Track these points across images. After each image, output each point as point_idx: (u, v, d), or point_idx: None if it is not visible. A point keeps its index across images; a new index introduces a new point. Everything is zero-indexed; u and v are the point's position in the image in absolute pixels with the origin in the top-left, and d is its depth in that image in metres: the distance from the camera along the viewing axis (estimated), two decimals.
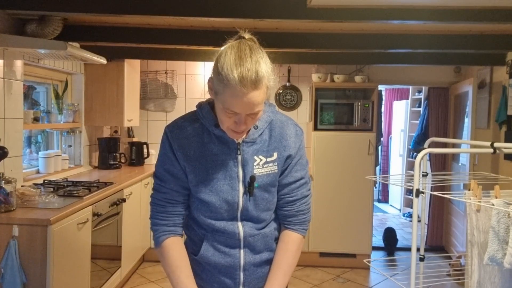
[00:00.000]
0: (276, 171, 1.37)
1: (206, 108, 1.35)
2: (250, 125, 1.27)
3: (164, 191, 1.36)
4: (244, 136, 1.33)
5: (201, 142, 1.33)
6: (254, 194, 1.34)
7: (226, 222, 1.35)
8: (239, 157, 1.33)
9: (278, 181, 1.39)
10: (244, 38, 1.23)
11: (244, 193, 1.34)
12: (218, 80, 1.19)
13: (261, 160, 1.34)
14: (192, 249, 1.43)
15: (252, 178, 1.32)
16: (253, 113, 1.21)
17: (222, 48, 1.23)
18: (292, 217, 1.42)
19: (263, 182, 1.34)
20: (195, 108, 1.40)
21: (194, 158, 1.33)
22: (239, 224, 1.36)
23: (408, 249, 4.90)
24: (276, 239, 1.45)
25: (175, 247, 1.36)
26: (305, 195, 1.43)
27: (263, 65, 1.18)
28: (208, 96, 1.39)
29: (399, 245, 5.07)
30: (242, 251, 1.38)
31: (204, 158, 1.33)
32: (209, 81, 1.26)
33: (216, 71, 1.20)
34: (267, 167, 1.35)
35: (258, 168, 1.34)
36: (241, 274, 1.40)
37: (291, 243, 1.42)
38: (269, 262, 1.43)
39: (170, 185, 1.36)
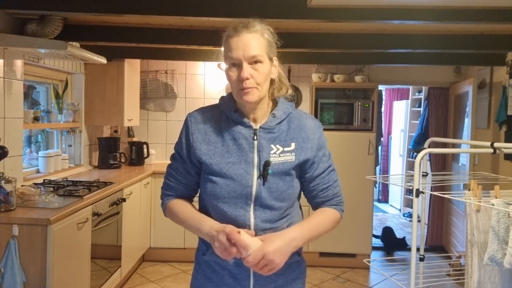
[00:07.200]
0: (293, 160, 1.38)
1: (228, 97, 1.44)
2: (257, 78, 1.32)
3: (173, 168, 1.47)
4: (261, 123, 1.39)
5: (218, 126, 1.40)
6: (268, 180, 1.34)
7: (238, 211, 1.34)
8: (255, 142, 1.37)
9: (308, 175, 1.42)
10: None
11: (258, 177, 1.35)
12: (223, 45, 1.36)
13: (278, 149, 1.37)
14: (202, 249, 1.44)
15: (267, 163, 1.34)
16: (252, 59, 1.30)
17: None
18: (329, 200, 1.46)
19: (278, 170, 1.36)
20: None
21: (211, 142, 1.38)
22: (251, 213, 1.34)
23: (408, 249, 4.90)
24: None
25: (180, 202, 1.46)
26: (335, 180, 1.48)
27: (258, 21, 1.35)
28: (208, 95, 1.45)
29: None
30: None
31: (221, 142, 1.38)
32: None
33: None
34: (283, 156, 1.37)
35: (274, 156, 1.36)
36: (251, 275, 1.37)
37: (327, 210, 1.45)
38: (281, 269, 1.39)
39: (176, 165, 1.46)
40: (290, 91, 1.46)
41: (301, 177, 1.44)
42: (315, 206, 1.47)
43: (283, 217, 1.39)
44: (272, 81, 1.41)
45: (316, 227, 1.38)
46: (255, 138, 1.37)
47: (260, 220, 1.35)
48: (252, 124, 1.38)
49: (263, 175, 1.34)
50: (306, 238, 1.35)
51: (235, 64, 1.32)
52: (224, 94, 1.49)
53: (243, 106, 1.38)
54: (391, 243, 5.01)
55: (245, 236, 1.24)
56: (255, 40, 1.31)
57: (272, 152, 1.36)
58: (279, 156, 1.36)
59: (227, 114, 1.40)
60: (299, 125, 1.42)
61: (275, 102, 1.44)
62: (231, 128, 1.38)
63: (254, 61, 1.31)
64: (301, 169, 1.42)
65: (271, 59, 1.36)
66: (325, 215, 1.43)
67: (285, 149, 1.38)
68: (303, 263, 1.50)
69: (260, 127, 1.38)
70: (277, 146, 1.37)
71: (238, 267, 1.37)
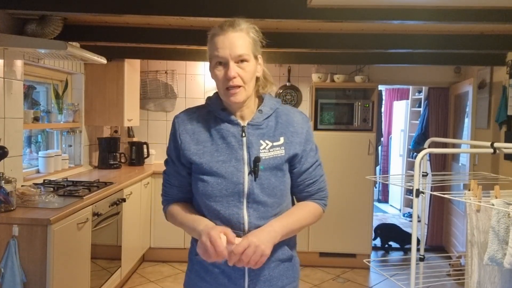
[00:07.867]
0: (283, 154, 1.39)
1: (214, 96, 1.45)
2: (244, 77, 1.33)
3: (166, 173, 1.49)
4: (249, 119, 1.40)
5: (207, 126, 1.41)
6: (259, 176, 1.34)
7: (231, 209, 1.34)
8: (244, 139, 1.37)
9: (296, 170, 1.43)
10: None
11: (249, 174, 1.35)
12: (208, 43, 1.36)
13: (267, 144, 1.38)
14: (195, 249, 1.41)
15: (257, 159, 1.34)
16: (239, 58, 1.31)
17: None
18: (313, 195, 1.47)
19: (269, 165, 1.36)
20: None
21: (200, 141, 1.39)
22: (245, 211, 1.34)
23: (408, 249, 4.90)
24: (283, 241, 1.40)
25: (179, 205, 1.46)
26: (321, 175, 1.49)
27: (244, 20, 1.36)
28: (208, 95, 1.46)
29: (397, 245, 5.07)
30: None
31: (209, 141, 1.38)
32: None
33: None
34: (273, 151, 1.38)
35: (264, 152, 1.37)
36: (246, 275, 1.37)
37: (309, 204, 1.46)
38: (276, 264, 1.40)
39: (169, 169, 1.48)
40: (274, 88, 1.48)
41: (289, 172, 1.44)
42: (299, 199, 1.50)
43: (277, 214, 1.38)
44: (257, 79, 1.42)
45: (297, 221, 1.40)
46: (244, 135, 1.37)
47: (254, 218, 1.34)
48: (240, 121, 1.39)
49: (254, 171, 1.34)
50: (284, 231, 1.35)
51: (221, 63, 1.33)
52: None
53: (230, 104, 1.39)
54: (398, 239, 5.00)
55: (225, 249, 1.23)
56: (241, 39, 1.32)
57: (261, 148, 1.37)
58: (269, 151, 1.37)
59: (214, 113, 1.41)
60: (287, 120, 1.43)
61: (261, 99, 1.46)
62: (219, 127, 1.39)
63: (240, 60, 1.32)
64: (290, 164, 1.42)
65: (256, 57, 1.38)
66: (306, 209, 1.45)
67: (274, 144, 1.39)
68: (297, 263, 1.51)
69: (248, 124, 1.39)
70: (266, 141, 1.38)
71: (232, 267, 1.35)
